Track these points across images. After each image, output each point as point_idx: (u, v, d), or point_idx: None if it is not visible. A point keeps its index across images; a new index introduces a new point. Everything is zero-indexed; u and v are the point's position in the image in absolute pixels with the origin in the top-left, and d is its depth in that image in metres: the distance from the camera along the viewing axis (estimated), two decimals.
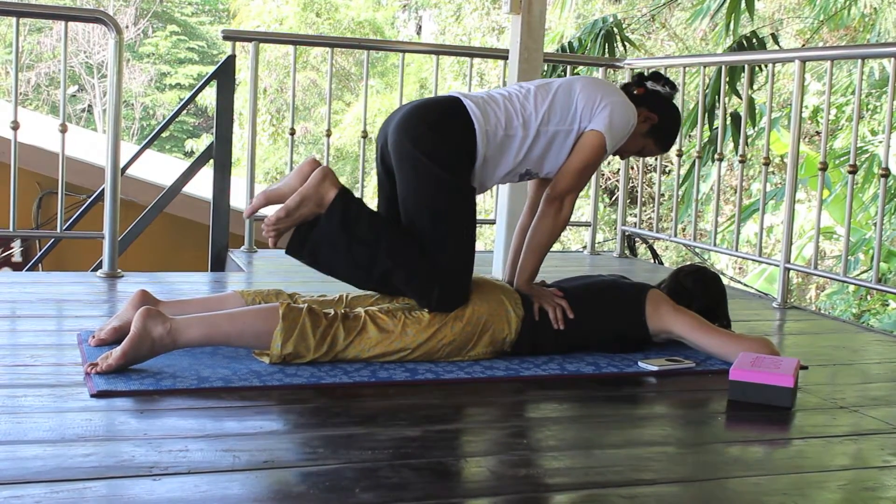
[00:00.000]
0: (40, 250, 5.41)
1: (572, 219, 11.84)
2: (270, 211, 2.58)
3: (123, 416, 2.06)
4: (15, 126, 3.72)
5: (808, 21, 9.79)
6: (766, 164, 4.14)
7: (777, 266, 4.00)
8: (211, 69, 4.59)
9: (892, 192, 6.61)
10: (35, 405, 2.09)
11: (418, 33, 18.05)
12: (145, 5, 19.38)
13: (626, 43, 6.83)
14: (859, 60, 3.75)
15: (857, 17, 8.66)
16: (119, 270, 3.79)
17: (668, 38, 12.24)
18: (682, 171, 6.08)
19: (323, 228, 2.52)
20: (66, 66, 3.98)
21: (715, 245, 4.53)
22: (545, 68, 5.80)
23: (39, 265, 5.11)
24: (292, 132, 4.62)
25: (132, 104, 18.43)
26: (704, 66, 4.90)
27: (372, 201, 2.83)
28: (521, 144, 2.66)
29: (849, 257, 4.07)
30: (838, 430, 2.25)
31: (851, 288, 7.76)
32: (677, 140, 4.90)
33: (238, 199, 4.79)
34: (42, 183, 6.26)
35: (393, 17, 17.91)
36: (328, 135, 4.69)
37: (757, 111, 7.42)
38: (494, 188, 4.66)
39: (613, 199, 11.99)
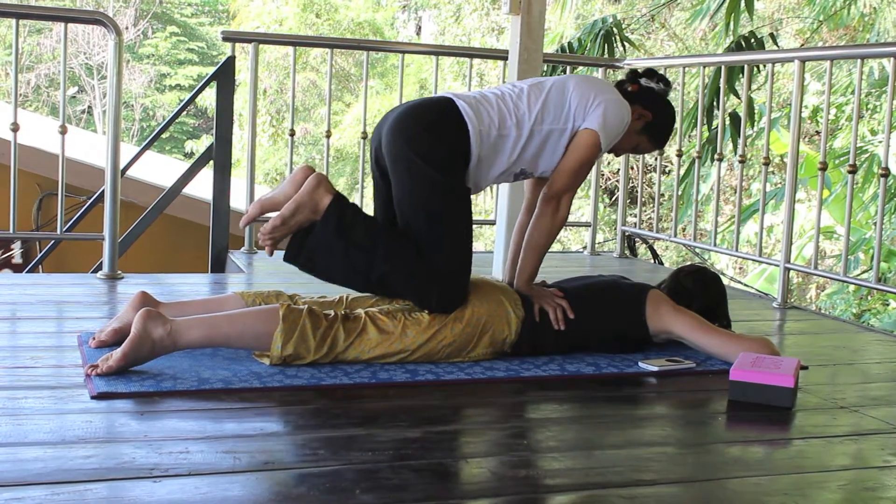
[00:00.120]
0: (40, 252, 5.41)
1: (572, 219, 11.80)
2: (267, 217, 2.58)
3: (124, 418, 2.06)
4: (15, 128, 3.72)
5: (808, 21, 9.79)
6: (766, 164, 4.14)
7: (777, 266, 4.00)
8: (211, 70, 4.60)
9: (892, 192, 6.61)
10: (35, 407, 2.09)
11: (418, 34, 18.05)
12: (145, 6, 19.38)
13: (625, 43, 6.83)
14: (859, 60, 3.75)
15: (856, 16, 8.66)
16: (119, 272, 3.79)
17: (667, 38, 12.24)
18: (682, 171, 6.07)
19: (319, 235, 2.52)
20: (66, 68, 3.98)
21: (715, 245, 4.53)
22: (545, 69, 5.80)
23: (40, 267, 5.11)
24: (292, 133, 4.62)
25: (132, 105, 18.43)
26: (704, 67, 4.90)
27: (372, 202, 2.84)
28: (515, 144, 2.66)
29: (849, 257, 4.07)
30: (839, 430, 2.25)
31: (852, 288, 7.76)
32: (677, 140, 4.91)
33: (238, 200, 4.79)
34: (42, 184, 6.26)
35: (392, 18, 17.92)
36: (328, 136, 4.69)
37: (756, 111, 7.43)
38: (494, 189, 4.66)
39: (613, 199, 11.99)
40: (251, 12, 16.11)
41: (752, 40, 5.91)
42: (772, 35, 6.53)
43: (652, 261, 6.59)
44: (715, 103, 5.71)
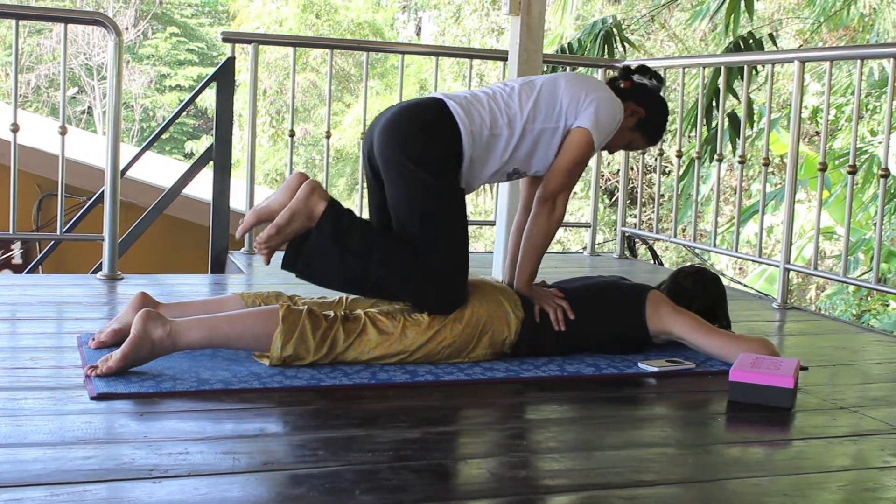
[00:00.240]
0: (40, 252, 5.41)
1: (572, 220, 11.82)
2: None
3: (123, 419, 2.06)
4: (15, 128, 3.72)
5: (808, 21, 9.79)
6: (766, 165, 4.14)
7: (777, 266, 4.00)
8: (211, 71, 4.60)
9: (892, 193, 6.61)
10: (35, 408, 2.09)
11: (418, 34, 18.06)
12: (145, 7, 19.39)
13: (625, 44, 6.83)
14: (858, 61, 3.75)
15: (856, 17, 8.66)
16: (119, 272, 3.79)
17: (667, 38, 12.24)
18: (681, 171, 6.08)
19: (315, 242, 2.52)
20: (66, 68, 3.98)
21: (715, 246, 4.53)
22: (545, 69, 5.79)
23: (39, 267, 5.11)
24: (292, 133, 4.62)
25: (132, 106, 18.44)
26: (703, 67, 4.90)
27: (367, 203, 2.83)
28: (507, 143, 2.66)
29: (849, 257, 4.07)
30: (838, 431, 2.25)
31: (851, 288, 7.76)
32: (677, 140, 4.91)
33: (238, 200, 4.79)
34: (42, 185, 6.26)
35: (392, 19, 17.92)
36: (328, 136, 4.69)
37: (756, 112, 7.43)
38: (494, 189, 4.65)
39: (613, 199, 12.00)
40: (251, 13, 16.12)
41: (751, 41, 5.91)
42: (771, 35, 6.53)
43: (652, 261, 6.59)
44: (714, 104, 5.71)
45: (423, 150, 2.58)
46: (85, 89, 18.41)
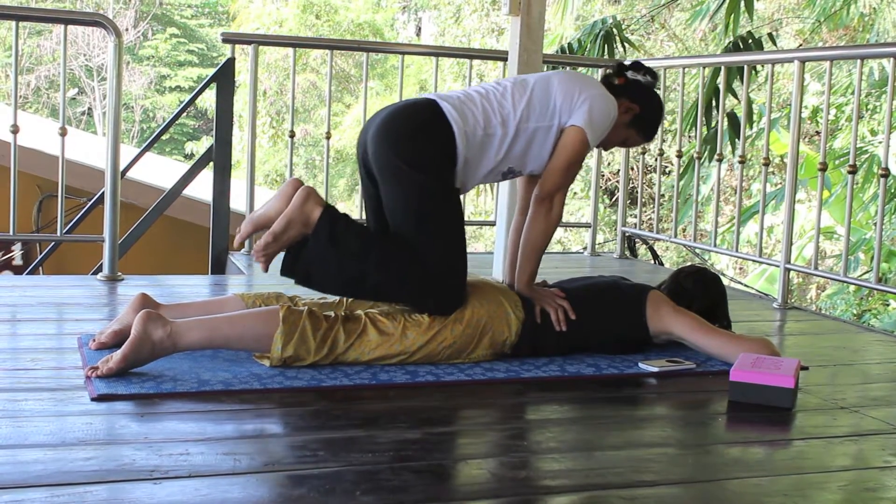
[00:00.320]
0: (41, 254, 5.41)
1: (572, 220, 11.79)
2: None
3: (124, 420, 2.06)
4: (15, 129, 3.72)
5: (808, 21, 9.80)
6: (766, 165, 4.14)
7: (777, 266, 4.00)
8: (211, 72, 4.60)
9: (892, 192, 6.61)
10: (36, 409, 2.10)
11: (418, 35, 18.06)
12: (145, 8, 19.40)
13: (625, 44, 6.83)
14: (858, 60, 3.75)
15: (856, 16, 8.66)
16: (119, 273, 3.79)
17: (667, 38, 12.24)
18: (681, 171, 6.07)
19: (312, 248, 2.52)
20: (66, 69, 3.98)
21: (715, 246, 4.53)
22: (545, 69, 5.79)
23: (40, 268, 5.11)
24: (292, 134, 4.62)
25: (132, 107, 18.44)
26: (704, 67, 4.90)
27: (363, 205, 2.83)
28: (501, 143, 2.65)
29: (849, 257, 4.07)
30: (839, 431, 2.25)
31: (852, 288, 7.76)
32: (677, 140, 4.91)
33: (238, 201, 4.79)
34: (42, 186, 6.26)
35: (392, 19, 17.93)
36: (328, 137, 4.69)
37: (756, 111, 7.42)
38: (494, 189, 4.65)
39: (613, 200, 12.00)
40: (251, 14, 16.12)
41: (750, 41, 5.90)
42: (770, 35, 6.53)
43: (652, 261, 6.59)
44: (714, 104, 5.71)
45: (417, 151, 2.57)
46: (85, 90, 18.41)
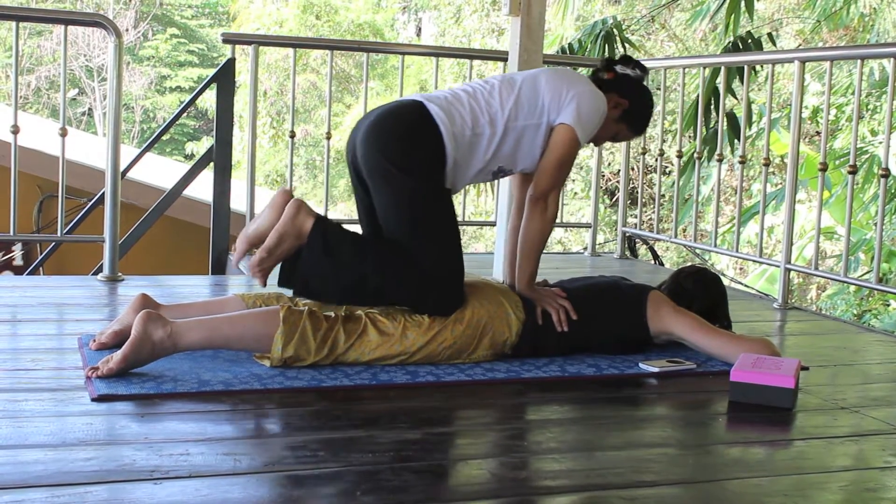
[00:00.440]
0: (41, 254, 5.41)
1: (573, 220, 11.75)
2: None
3: (124, 420, 2.06)
4: (15, 130, 3.72)
5: (808, 21, 9.80)
6: (767, 165, 4.14)
7: (778, 267, 4.00)
8: (211, 72, 4.59)
9: (893, 192, 6.61)
10: (36, 409, 2.10)
11: (418, 35, 18.06)
12: (145, 8, 19.40)
13: (626, 44, 6.83)
14: (859, 61, 3.74)
15: (856, 16, 8.66)
16: (120, 274, 3.79)
17: (667, 38, 12.25)
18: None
19: (307, 260, 2.52)
20: (66, 70, 3.98)
21: (715, 246, 4.53)
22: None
23: (40, 269, 5.11)
24: (292, 135, 4.62)
25: (132, 107, 18.45)
26: (704, 68, 4.90)
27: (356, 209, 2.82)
28: (490, 142, 2.65)
29: (849, 257, 4.07)
30: (839, 431, 2.25)
31: (852, 288, 7.76)
32: (677, 140, 4.91)
33: (238, 201, 4.79)
34: (43, 186, 6.26)
35: (392, 19, 17.93)
36: (328, 137, 4.69)
37: (756, 112, 7.42)
38: (494, 189, 4.65)
39: (614, 200, 12.00)
40: (251, 14, 16.12)
41: (750, 41, 5.90)
42: (770, 35, 6.53)
43: (652, 262, 6.59)
44: (713, 104, 5.70)
45: (405, 154, 2.57)
46: (85, 91, 18.41)
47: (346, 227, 2.63)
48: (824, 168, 3.76)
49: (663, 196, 8.65)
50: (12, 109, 3.78)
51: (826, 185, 5.94)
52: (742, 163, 4.22)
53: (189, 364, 2.44)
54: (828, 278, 6.40)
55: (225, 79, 4.35)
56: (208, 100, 13.76)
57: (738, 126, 5.46)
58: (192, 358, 2.49)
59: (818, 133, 9.97)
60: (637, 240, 6.33)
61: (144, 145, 4.82)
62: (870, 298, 7.98)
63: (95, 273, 4.05)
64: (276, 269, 2.58)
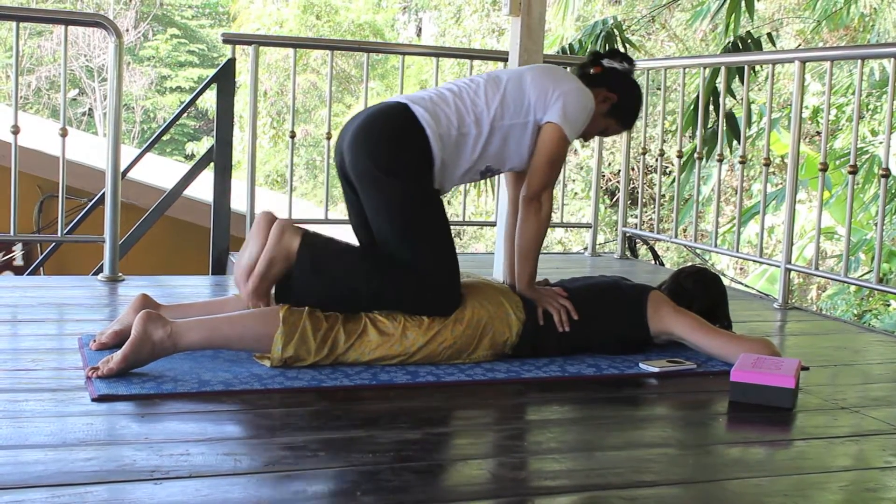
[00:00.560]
0: (42, 254, 5.41)
1: (573, 220, 11.73)
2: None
3: (125, 420, 2.06)
4: (15, 130, 3.72)
5: (808, 21, 9.80)
6: (767, 165, 4.14)
7: (778, 267, 4.00)
8: (211, 72, 4.60)
9: (893, 193, 6.61)
10: (36, 409, 2.10)
11: (418, 35, 18.06)
12: (145, 8, 19.40)
13: (626, 44, 6.83)
14: (859, 61, 3.74)
15: (856, 16, 8.66)
16: (120, 274, 3.79)
17: (668, 39, 12.25)
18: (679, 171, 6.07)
19: (299, 279, 2.52)
20: (67, 70, 3.98)
21: (716, 246, 4.53)
22: None
23: (41, 269, 5.11)
24: (293, 135, 4.62)
25: (133, 107, 18.45)
26: (704, 67, 4.90)
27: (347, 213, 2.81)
28: (476, 142, 2.64)
29: (849, 257, 4.07)
30: (839, 431, 2.25)
31: (852, 288, 7.76)
32: (676, 139, 4.91)
33: (239, 201, 4.79)
34: (43, 187, 6.26)
35: (393, 20, 17.93)
36: (328, 137, 4.69)
37: (756, 111, 7.41)
38: (495, 189, 4.66)
39: (614, 200, 12.00)
40: (251, 14, 16.12)
41: (749, 40, 5.90)
42: (769, 35, 6.52)
43: (653, 262, 6.59)
44: (712, 105, 5.70)
45: (392, 159, 2.56)
46: (85, 91, 18.41)
47: (335, 236, 2.63)
48: (824, 168, 3.76)
49: (663, 196, 8.65)
50: (13, 110, 3.78)
51: (826, 185, 5.93)
52: (742, 163, 4.22)
53: (189, 364, 2.44)
54: (828, 278, 6.40)
55: (225, 79, 4.36)
56: (208, 100, 13.77)
57: (738, 126, 5.46)
58: (193, 358, 2.49)
59: (818, 133, 9.96)
60: (637, 240, 6.33)
61: (145, 145, 4.82)
62: (870, 298, 7.98)
63: (96, 273, 4.05)
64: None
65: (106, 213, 3.79)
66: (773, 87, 4.11)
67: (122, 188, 3.84)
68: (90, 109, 18.63)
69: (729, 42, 6.13)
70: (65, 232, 4.04)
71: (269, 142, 15.09)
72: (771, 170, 7.75)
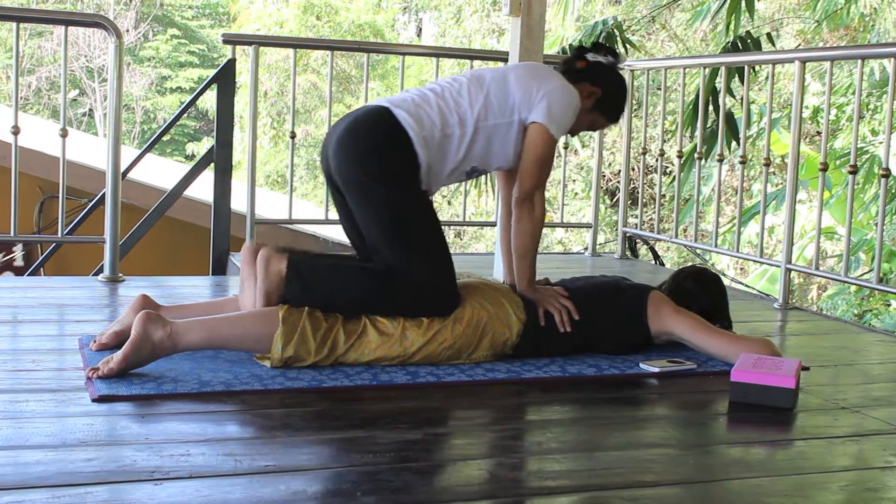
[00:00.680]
0: (42, 255, 5.41)
1: (573, 220, 11.74)
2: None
3: (125, 421, 2.06)
4: (16, 131, 3.73)
5: (808, 21, 9.80)
6: (767, 165, 4.14)
7: (778, 267, 4.00)
8: (211, 73, 4.60)
9: (893, 193, 6.61)
10: (37, 410, 2.10)
11: (418, 35, 18.06)
12: (145, 9, 19.40)
13: (626, 45, 6.83)
14: (859, 61, 3.74)
15: (856, 16, 8.66)
16: (120, 274, 3.80)
17: (668, 39, 12.24)
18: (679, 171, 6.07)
19: (292, 301, 2.51)
20: (67, 71, 3.98)
21: (716, 246, 4.53)
22: None
23: (41, 270, 5.11)
24: (293, 135, 4.62)
25: (133, 108, 18.45)
26: (704, 67, 4.90)
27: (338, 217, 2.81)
28: (460, 142, 2.63)
29: (850, 257, 4.07)
30: (840, 431, 2.25)
31: (853, 288, 7.76)
32: (676, 139, 4.91)
33: (239, 202, 4.79)
34: (43, 187, 6.26)
35: (393, 20, 17.92)
36: None
37: (756, 111, 7.41)
38: (495, 189, 4.66)
39: (614, 200, 12.00)
40: (252, 15, 16.12)
41: (749, 40, 5.90)
42: (769, 35, 6.52)
43: (653, 262, 6.59)
44: (711, 105, 5.70)
45: (378, 164, 2.56)
46: (86, 91, 18.42)
47: (323, 252, 2.63)
48: (825, 168, 3.76)
49: (664, 196, 8.65)
50: (13, 110, 3.79)
51: (826, 185, 5.93)
52: (742, 163, 4.22)
53: (189, 364, 2.44)
54: (828, 278, 6.40)
55: (225, 79, 4.36)
56: (209, 100, 13.77)
57: (737, 126, 5.46)
58: (193, 358, 2.49)
59: (818, 133, 9.96)
60: (637, 240, 6.33)
61: (145, 146, 4.82)
62: (870, 298, 7.97)
63: (96, 274, 4.05)
64: None
65: (106, 213, 3.79)
66: (774, 87, 4.11)
67: (122, 189, 3.85)
68: (90, 110, 18.63)
69: (729, 42, 6.12)
70: (65, 232, 4.04)
71: (269, 142, 15.08)
72: (771, 170, 7.76)
